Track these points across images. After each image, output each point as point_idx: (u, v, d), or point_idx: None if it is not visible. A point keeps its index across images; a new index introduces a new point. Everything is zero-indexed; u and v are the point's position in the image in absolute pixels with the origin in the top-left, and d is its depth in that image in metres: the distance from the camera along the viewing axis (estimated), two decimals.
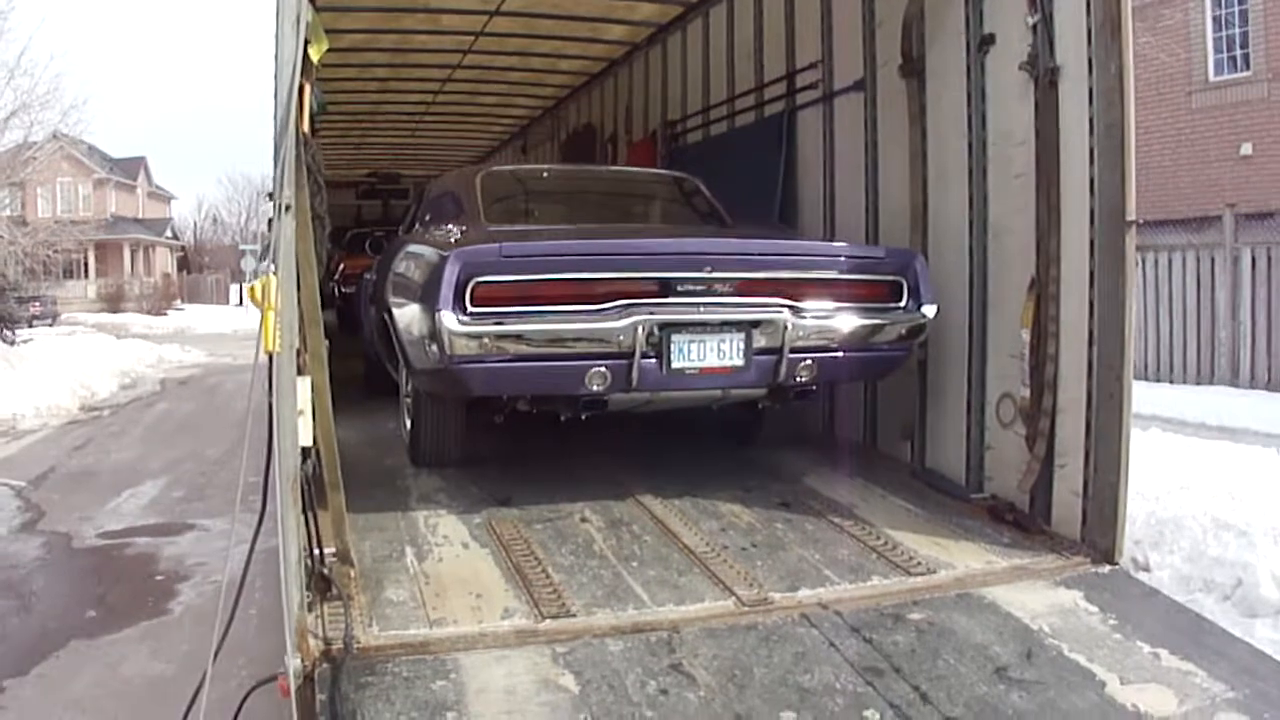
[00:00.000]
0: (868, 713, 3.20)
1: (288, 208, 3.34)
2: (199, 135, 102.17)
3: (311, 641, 3.44)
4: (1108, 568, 4.39)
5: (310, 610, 3.64)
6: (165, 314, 42.23)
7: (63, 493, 8.81)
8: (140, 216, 54.71)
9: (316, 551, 3.91)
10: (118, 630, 5.50)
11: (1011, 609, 3.92)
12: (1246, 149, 18.19)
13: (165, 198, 61.58)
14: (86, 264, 48.05)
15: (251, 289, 3.25)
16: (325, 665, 3.35)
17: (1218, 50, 18.82)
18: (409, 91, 13.12)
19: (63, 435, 12.08)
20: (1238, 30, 18.42)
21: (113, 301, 43.79)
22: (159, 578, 6.40)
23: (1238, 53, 18.47)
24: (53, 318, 32.63)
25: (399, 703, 3.18)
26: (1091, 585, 4.19)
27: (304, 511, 3.69)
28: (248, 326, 32.10)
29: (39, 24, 51.88)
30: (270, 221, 12.19)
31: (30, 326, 22.86)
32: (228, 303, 50.81)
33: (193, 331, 32.71)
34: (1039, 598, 4.05)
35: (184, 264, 59.73)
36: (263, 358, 3.30)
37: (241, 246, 49.93)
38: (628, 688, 3.30)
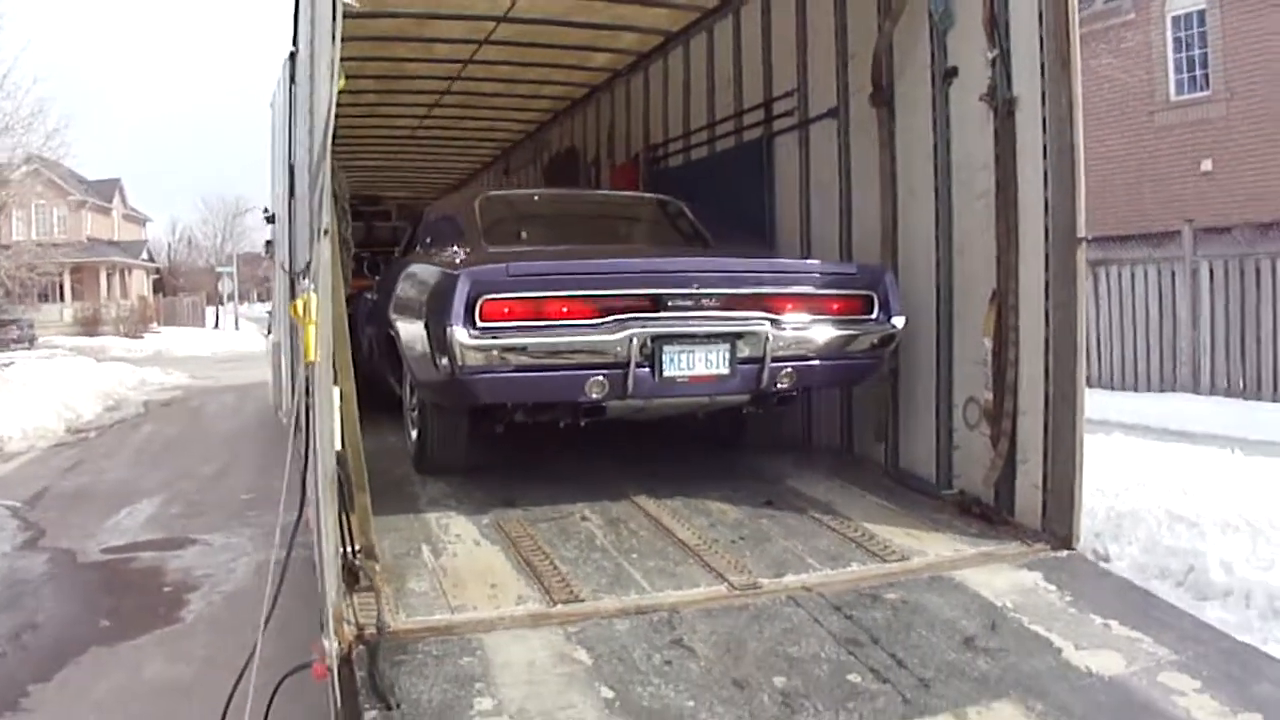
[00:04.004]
0: (850, 676, 3.54)
1: (325, 231, 3.67)
2: (172, 157, 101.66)
3: (346, 627, 3.75)
4: (1066, 553, 4.76)
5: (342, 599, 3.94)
6: (142, 337, 41.69)
7: (60, 511, 8.82)
8: (116, 239, 53.96)
9: (344, 548, 4.18)
10: (134, 638, 5.62)
11: (978, 589, 4.28)
12: (1207, 165, 18.70)
13: (140, 220, 61.13)
14: (62, 287, 47.39)
15: (294, 305, 3.57)
16: (360, 647, 3.65)
17: (1179, 70, 19.31)
18: (396, 116, 13.21)
19: (52, 456, 12.05)
20: (1198, 51, 18.92)
21: (89, 325, 43.23)
22: (167, 589, 6.51)
23: (1198, 73, 18.99)
24: (30, 341, 32.40)
25: (432, 676, 3.49)
26: (1051, 568, 4.56)
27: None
28: (226, 349, 32.30)
29: (23, 47, 51.33)
30: (268, 244, 12.21)
31: (9, 350, 22.86)
32: (204, 325, 50.50)
33: (171, 354, 32.25)
34: (1003, 579, 4.41)
35: (159, 286, 58.94)
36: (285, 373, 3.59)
37: (219, 269, 49.52)
38: (635, 660, 3.64)
